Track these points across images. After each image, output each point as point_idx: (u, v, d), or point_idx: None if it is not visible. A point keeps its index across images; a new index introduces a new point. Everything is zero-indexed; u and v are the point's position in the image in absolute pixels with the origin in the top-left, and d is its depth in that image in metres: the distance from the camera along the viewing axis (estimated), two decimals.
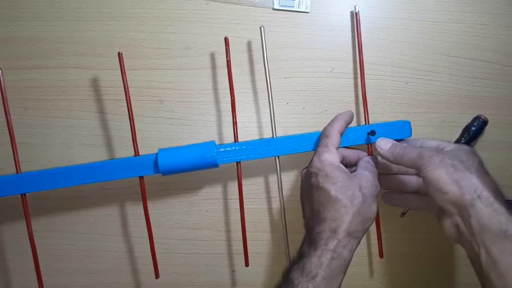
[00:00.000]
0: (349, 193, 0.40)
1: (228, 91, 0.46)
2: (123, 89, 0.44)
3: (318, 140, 0.46)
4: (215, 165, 0.45)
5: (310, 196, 0.42)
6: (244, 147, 0.46)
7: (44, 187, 0.44)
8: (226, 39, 0.45)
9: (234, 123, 0.46)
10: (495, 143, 0.52)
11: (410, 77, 0.51)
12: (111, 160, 0.46)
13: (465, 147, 0.42)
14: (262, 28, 0.45)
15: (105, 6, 0.50)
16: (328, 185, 0.40)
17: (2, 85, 0.43)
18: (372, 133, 0.46)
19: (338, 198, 0.39)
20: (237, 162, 0.46)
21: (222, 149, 0.46)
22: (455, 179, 0.37)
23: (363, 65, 0.48)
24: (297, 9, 0.50)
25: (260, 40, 0.46)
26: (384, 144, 0.44)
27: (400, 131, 0.47)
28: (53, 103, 0.50)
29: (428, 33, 0.51)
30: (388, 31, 0.51)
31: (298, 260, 0.39)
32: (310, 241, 0.40)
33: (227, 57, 0.45)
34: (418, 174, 0.40)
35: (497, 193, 0.37)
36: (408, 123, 0.48)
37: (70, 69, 0.50)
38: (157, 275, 0.47)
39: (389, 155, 0.43)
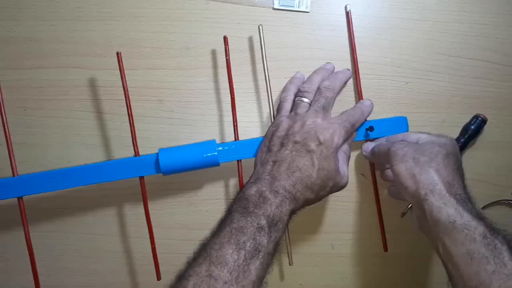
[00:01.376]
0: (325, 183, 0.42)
1: (228, 90, 0.46)
2: (122, 89, 0.44)
3: None
4: (216, 163, 0.45)
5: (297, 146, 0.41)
6: (244, 145, 0.46)
7: (42, 190, 0.44)
8: (225, 38, 0.45)
9: (234, 122, 0.46)
10: (495, 143, 0.52)
11: (411, 77, 0.51)
12: (111, 161, 0.46)
13: (442, 138, 0.43)
14: (260, 27, 0.46)
15: (105, 6, 0.50)
16: (320, 163, 0.41)
17: None
18: (371, 129, 0.47)
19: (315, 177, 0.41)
20: (238, 161, 0.46)
21: (223, 148, 0.46)
22: (412, 174, 0.39)
23: (357, 64, 0.49)
24: (297, 9, 0.50)
25: (259, 39, 0.46)
26: (366, 147, 0.48)
27: (397, 126, 0.49)
28: (52, 103, 0.50)
29: (429, 33, 0.51)
30: (389, 31, 0.51)
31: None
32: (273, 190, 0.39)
33: (226, 56, 0.45)
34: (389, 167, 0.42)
35: (452, 185, 0.38)
36: (405, 118, 0.49)
37: (69, 69, 0.50)
38: (158, 277, 0.47)
39: (370, 155, 0.47)
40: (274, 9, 0.50)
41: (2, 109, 0.43)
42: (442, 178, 0.38)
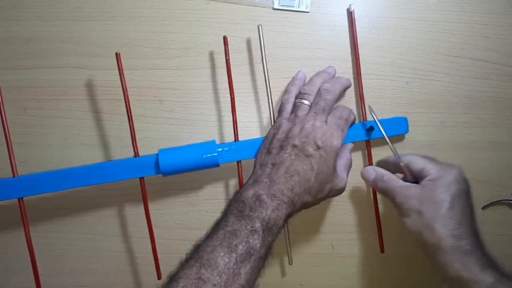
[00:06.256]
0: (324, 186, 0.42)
1: (228, 90, 0.46)
2: (122, 89, 0.44)
3: None
4: (216, 164, 0.45)
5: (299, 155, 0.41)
6: (244, 146, 0.46)
7: (42, 191, 0.44)
8: (225, 38, 0.45)
9: (234, 122, 0.46)
10: (495, 143, 0.52)
11: (410, 77, 0.51)
12: (111, 162, 0.46)
13: (450, 174, 0.41)
14: (260, 27, 0.45)
15: (105, 6, 0.50)
16: (320, 166, 0.41)
17: None
18: (371, 128, 0.47)
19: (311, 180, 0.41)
20: (238, 161, 0.46)
21: (222, 148, 0.46)
22: (418, 231, 0.40)
23: (359, 65, 0.49)
24: (297, 9, 0.50)
25: (259, 39, 0.46)
26: (367, 175, 0.46)
27: (398, 127, 0.49)
28: (52, 103, 0.50)
29: (428, 33, 0.51)
30: (388, 31, 0.51)
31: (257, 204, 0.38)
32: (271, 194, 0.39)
33: (226, 56, 0.45)
34: None
35: (459, 237, 0.38)
36: (405, 119, 0.50)
37: (69, 69, 0.50)
38: (159, 276, 0.47)
39: (373, 186, 0.46)
40: (274, 9, 0.50)
41: (2, 109, 0.43)
42: (448, 232, 0.38)
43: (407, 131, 0.50)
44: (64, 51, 0.50)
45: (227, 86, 0.46)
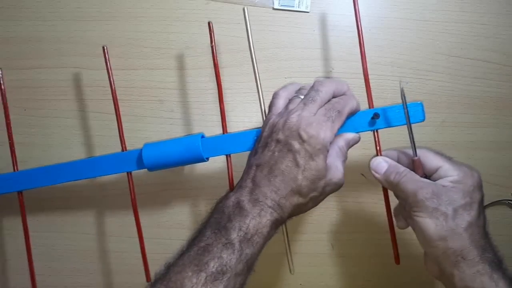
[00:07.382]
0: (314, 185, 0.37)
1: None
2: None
3: None
4: (201, 158, 0.42)
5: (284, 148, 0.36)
6: (232, 139, 0.42)
7: (30, 185, 0.44)
8: (209, 24, 0.43)
9: (222, 113, 0.43)
10: (495, 143, 0.52)
11: (410, 77, 0.51)
12: (97, 157, 0.46)
13: (470, 180, 0.37)
14: (245, 9, 0.42)
15: (105, 6, 0.50)
16: (307, 161, 0.36)
17: (3, 86, 0.43)
18: (376, 116, 0.40)
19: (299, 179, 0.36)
20: (227, 156, 0.42)
21: (209, 142, 0.42)
22: (443, 236, 0.35)
23: (363, 49, 0.44)
24: (297, 9, 0.50)
25: (248, 37, 0.44)
26: (379, 168, 0.40)
27: (411, 115, 0.40)
28: (52, 103, 0.50)
29: (428, 33, 0.51)
30: (388, 31, 0.51)
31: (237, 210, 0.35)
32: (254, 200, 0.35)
33: (211, 42, 0.43)
34: (406, 208, 0.38)
35: (485, 248, 0.35)
36: (420, 104, 0.40)
37: (69, 69, 0.50)
38: (148, 279, 0.46)
39: (383, 181, 0.39)
40: (274, 9, 0.50)
41: (6, 109, 0.43)
42: (475, 242, 0.35)
43: (423, 118, 0.40)
44: (64, 51, 0.50)
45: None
